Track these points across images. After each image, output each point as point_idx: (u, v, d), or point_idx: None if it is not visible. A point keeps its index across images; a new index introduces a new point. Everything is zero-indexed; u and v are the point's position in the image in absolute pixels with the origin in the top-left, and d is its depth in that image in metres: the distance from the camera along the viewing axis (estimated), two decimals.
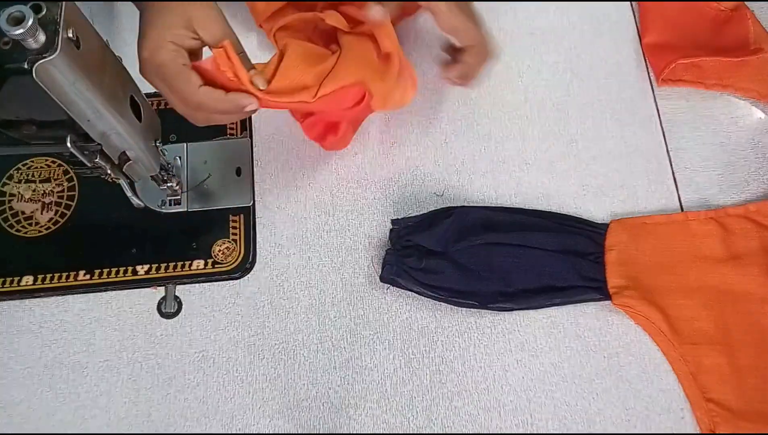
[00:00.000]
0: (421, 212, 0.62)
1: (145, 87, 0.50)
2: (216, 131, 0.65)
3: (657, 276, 0.59)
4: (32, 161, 0.65)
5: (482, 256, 0.59)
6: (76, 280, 0.61)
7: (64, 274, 0.61)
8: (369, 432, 0.57)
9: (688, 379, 0.56)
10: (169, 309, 0.61)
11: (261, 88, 0.50)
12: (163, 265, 0.61)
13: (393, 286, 0.59)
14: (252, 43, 0.70)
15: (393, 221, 0.61)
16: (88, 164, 0.49)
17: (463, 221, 0.61)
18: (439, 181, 0.64)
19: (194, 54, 0.49)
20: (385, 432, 0.57)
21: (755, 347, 0.57)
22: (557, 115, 0.67)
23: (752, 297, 0.58)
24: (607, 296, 0.58)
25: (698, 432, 0.56)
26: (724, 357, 0.56)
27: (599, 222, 0.62)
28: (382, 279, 0.59)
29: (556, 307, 0.59)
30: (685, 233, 0.61)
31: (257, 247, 0.62)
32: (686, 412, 0.56)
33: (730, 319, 0.58)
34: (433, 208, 0.62)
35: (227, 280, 0.61)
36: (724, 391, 0.56)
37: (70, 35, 0.38)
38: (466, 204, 0.63)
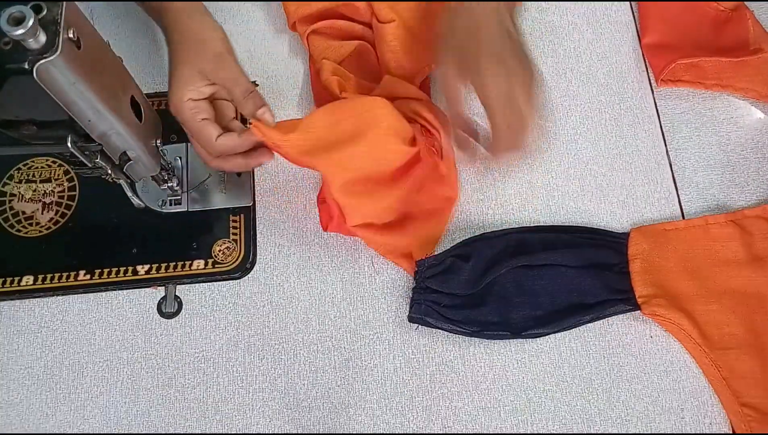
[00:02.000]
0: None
1: (146, 87, 0.51)
2: None
3: (682, 282, 0.59)
4: (33, 161, 0.65)
5: (511, 282, 0.58)
6: (76, 280, 0.61)
7: (64, 274, 0.61)
8: (369, 432, 0.57)
9: (721, 385, 0.56)
10: (169, 309, 0.61)
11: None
12: (163, 265, 0.61)
13: (422, 325, 0.58)
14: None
15: (417, 263, 0.60)
16: (89, 164, 0.49)
17: (484, 255, 0.59)
18: None
19: (213, 95, 0.55)
20: (385, 432, 0.57)
21: None
22: (557, 116, 0.67)
23: None
24: (636, 306, 0.58)
25: (699, 432, 0.56)
26: (756, 360, 0.56)
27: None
28: (411, 319, 0.58)
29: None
30: (705, 238, 0.60)
31: (257, 247, 0.62)
32: (686, 412, 0.56)
33: (758, 321, 0.57)
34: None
35: (227, 280, 0.61)
36: (758, 395, 0.55)
37: (71, 35, 0.38)
38: (466, 208, 0.63)
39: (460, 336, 0.58)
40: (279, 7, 0.71)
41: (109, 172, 0.51)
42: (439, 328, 0.58)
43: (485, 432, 0.56)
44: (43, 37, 0.37)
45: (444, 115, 0.55)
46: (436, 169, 0.59)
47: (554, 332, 0.58)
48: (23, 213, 0.63)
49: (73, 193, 0.64)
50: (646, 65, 0.69)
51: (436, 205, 0.61)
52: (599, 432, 0.56)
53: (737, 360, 0.56)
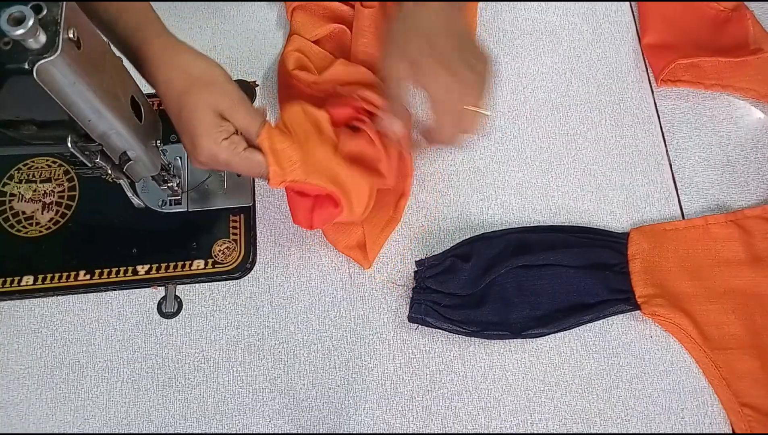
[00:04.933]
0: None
1: (146, 87, 0.50)
2: None
3: (682, 282, 0.59)
4: (33, 161, 0.65)
5: (510, 282, 0.58)
6: (76, 280, 0.61)
7: (64, 274, 0.61)
8: (369, 432, 0.57)
9: (721, 385, 0.56)
10: (169, 309, 0.61)
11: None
12: (163, 265, 0.61)
13: (422, 325, 0.58)
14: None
15: (417, 263, 0.60)
16: (89, 164, 0.49)
17: (484, 255, 0.59)
18: (437, 178, 0.64)
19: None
20: (385, 432, 0.57)
21: None
22: (557, 116, 0.67)
23: None
24: (636, 306, 0.58)
25: (698, 432, 0.56)
26: (756, 361, 0.56)
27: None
28: (411, 319, 0.58)
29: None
30: (706, 238, 0.60)
31: (257, 247, 0.62)
32: (686, 412, 0.56)
33: (758, 321, 0.57)
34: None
35: (227, 280, 0.61)
36: (758, 395, 0.55)
37: (71, 35, 0.38)
38: (466, 208, 0.63)
39: (460, 336, 0.58)
40: (279, 6, 0.71)
41: (109, 172, 0.51)
42: (439, 328, 0.58)
43: (485, 432, 0.56)
44: (43, 37, 0.37)
45: (404, 109, 0.55)
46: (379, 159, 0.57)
47: (554, 332, 0.58)
48: (23, 213, 0.63)
49: (73, 193, 0.64)
50: (646, 65, 0.69)
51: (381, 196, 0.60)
52: (599, 432, 0.56)
53: (737, 360, 0.56)
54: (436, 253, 0.61)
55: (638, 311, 0.58)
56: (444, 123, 0.51)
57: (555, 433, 0.56)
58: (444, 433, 0.56)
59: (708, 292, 0.58)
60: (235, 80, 0.68)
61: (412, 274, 0.61)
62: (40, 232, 0.62)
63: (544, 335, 0.58)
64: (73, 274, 0.61)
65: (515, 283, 0.58)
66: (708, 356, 0.57)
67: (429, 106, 0.51)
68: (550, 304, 0.58)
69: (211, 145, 0.49)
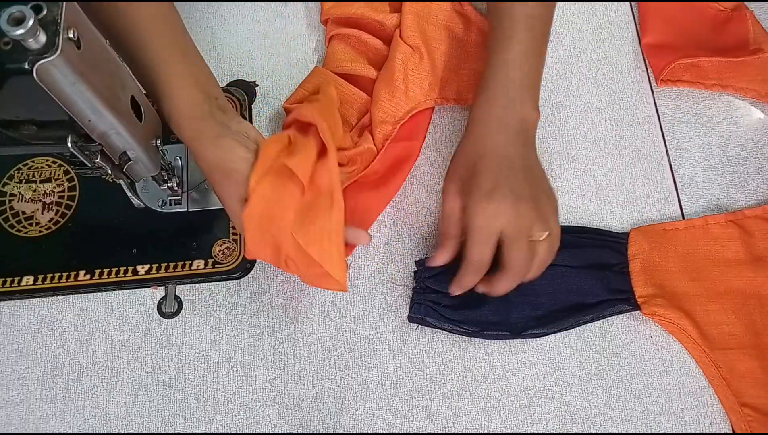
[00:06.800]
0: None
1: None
2: None
3: (682, 282, 0.59)
4: (33, 161, 0.65)
5: None
6: (76, 280, 0.61)
7: (64, 274, 0.61)
8: (369, 432, 0.57)
9: (721, 385, 0.56)
10: (169, 309, 0.61)
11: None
12: (163, 265, 0.61)
13: (422, 325, 0.58)
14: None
15: (417, 263, 0.60)
16: (89, 164, 0.49)
17: None
18: (437, 178, 0.64)
19: None
20: (385, 432, 0.57)
21: None
22: (557, 116, 0.67)
23: None
24: (636, 306, 0.58)
25: (698, 432, 0.56)
26: (756, 361, 0.56)
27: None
28: (411, 319, 0.58)
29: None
30: (706, 238, 0.60)
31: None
32: (686, 412, 0.56)
33: (758, 321, 0.57)
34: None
35: (227, 280, 0.61)
36: (758, 395, 0.55)
37: (71, 35, 0.38)
38: None
39: (460, 336, 0.58)
40: (280, 7, 0.71)
41: (109, 172, 0.51)
42: (439, 328, 0.58)
43: (485, 432, 0.56)
44: (43, 37, 0.37)
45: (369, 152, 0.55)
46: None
47: (554, 332, 0.58)
48: (23, 213, 0.63)
49: (73, 193, 0.64)
50: (646, 65, 0.69)
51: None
52: (599, 432, 0.56)
53: (737, 360, 0.56)
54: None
55: (638, 311, 0.58)
56: (518, 250, 0.51)
57: (555, 433, 0.56)
58: (444, 433, 0.56)
59: (708, 292, 0.58)
60: (235, 80, 0.68)
61: (412, 274, 0.61)
62: (40, 232, 0.62)
63: (544, 335, 0.58)
64: (73, 274, 0.61)
65: None
66: (708, 356, 0.57)
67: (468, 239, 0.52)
68: (550, 304, 0.58)
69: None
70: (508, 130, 0.54)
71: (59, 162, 0.65)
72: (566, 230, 0.61)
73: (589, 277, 0.59)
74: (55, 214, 0.63)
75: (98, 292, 0.61)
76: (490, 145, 0.54)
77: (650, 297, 0.58)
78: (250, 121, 0.67)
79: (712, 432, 0.56)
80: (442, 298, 0.58)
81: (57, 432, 0.57)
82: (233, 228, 0.62)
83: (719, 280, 0.59)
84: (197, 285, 0.61)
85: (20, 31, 0.35)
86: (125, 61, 0.51)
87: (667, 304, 0.58)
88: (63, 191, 0.64)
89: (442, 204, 0.56)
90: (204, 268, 0.61)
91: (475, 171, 0.53)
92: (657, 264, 0.59)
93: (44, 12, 0.37)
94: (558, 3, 0.71)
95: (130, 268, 0.61)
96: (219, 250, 0.62)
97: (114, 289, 0.61)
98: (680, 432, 0.56)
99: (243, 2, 0.72)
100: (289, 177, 0.51)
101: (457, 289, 0.54)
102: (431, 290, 0.58)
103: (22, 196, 0.64)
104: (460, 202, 0.54)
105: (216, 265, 0.61)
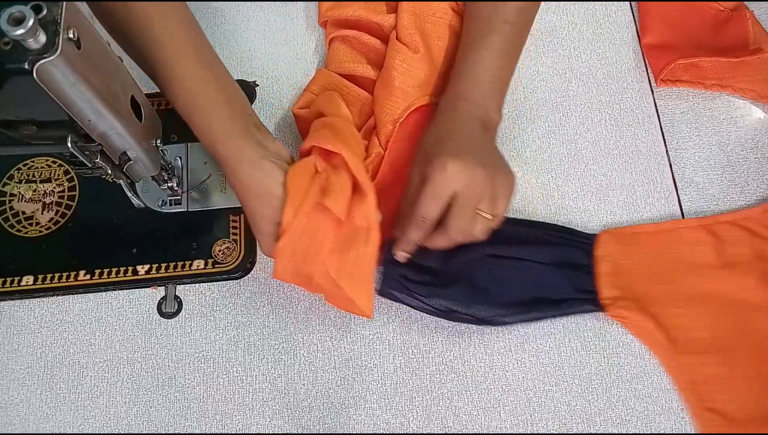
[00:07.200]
0: None
1: (146, 87, 0.51)
2: None
3: (651, 285, 0.59)
4: (33, 161, 0.65)
5: (481, 268, 0.58)
6: (76, 280, 0.61)
7: (64, 274, 0.61)
8: (369, 432, 0.57)
9: (687, 389, 0.56)
10: (169, 309, 0.61)
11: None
12: (163, 265, 0.61)
13: (391, 300, 0.58)
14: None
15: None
16: (89, 164, 0.49)
17: None
18: None
19: None
20: (385, 432, 0.57)
21: (754, 356, 0.56)
22: (557, 115, 0.67)
23: (748, 305, 0.57)
24: (600, 308, 0.58)
25: (698, 432, 0.56)
26: (723, 366, 0.56)
27: (596, 226, 0.62)
28: (380, 292, 0.58)
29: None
30: (676, 241, 0.60)
31: (257, 247, 0.62)
32: (686, 412, 0.56)
33: (726, 327, 0.57)
34: None
35: (227, 280, 0.61)
36: (723, 401, 0.55)
37: (71, 36, 0.38)
38: None
39: (459, 335, 0.58)
40: (280, 7, 0.71)
41: (109, 172, 0.51)
42: (408, 305, 0.58)
43: (485, 432, 0.56)
44: (43, 37, 0.37)
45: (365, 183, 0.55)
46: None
47: (517, 322, 0.58)
48: (23, 213, 0.63)
49: (73, 193, 0.64)
50: (645, 65, 0.69)
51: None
52: (599, 432, 0.56)
53: (704, 364, 0.56)
54: None
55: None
56: (462, 217, 0.52)
57: (555, 433, 0.56)
58: (444, 433, 0.56)
59: (676, 296, 0.58)
60: (235, 80, 0.68)
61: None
62: (40, 232, 0.62)
63: (507, 324, 0.58)
64: (73, 274, 0.61)
65: (485, 269, 0.59)
66: (674, 360, 0.57)
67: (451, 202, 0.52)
68: (517, 294, 0.58)
69: (272, 247, 0.52)
70: (474, 122, 0.56)
71: (59, 162, 0.65)
72: (538, 226, 0.61)
73: (557, 274, 0.59)
74: (55, 214, 0.63)
75: (98, 292, 0.61)
76: (457, 128, 0.56)
77: (615, 299, 0.58)
78: None
79: (713, 432, 0.56)
80: (412, 273, 0.58)
81: (57, 432, 0.57)
82: (233, 228, 0.62)
83: (688, 284, 0.58)
84: (197, 285, 0.61)
85: (20, 31, 0.35)
86: (147, 74, 0.52)
87: (633, 306, 0.57)
88: (63, 191, 0.64)
89: (407, 183, 0.57)
90: (204, 268, 0.61)
91: (440, 144, 0.55)
92: (625, 266, 0.59)
93: (44, 12, 0.37)
94: (558, 3, 0.72)
95: (130, 268, 0.61)
96: (219, 250, 0.62)
97: (114, 289, 0.61)
98: (680, 432, 0.56)
99: (243, 2, 0.72)
100: (325, 213, 0.51)
101: (402, 245, 0.56)
102: (404, 266, 0.58)
103: (22, 196, 0.64)
104: (421, 179, 0.54)
105: (216, 265, 0.61)
